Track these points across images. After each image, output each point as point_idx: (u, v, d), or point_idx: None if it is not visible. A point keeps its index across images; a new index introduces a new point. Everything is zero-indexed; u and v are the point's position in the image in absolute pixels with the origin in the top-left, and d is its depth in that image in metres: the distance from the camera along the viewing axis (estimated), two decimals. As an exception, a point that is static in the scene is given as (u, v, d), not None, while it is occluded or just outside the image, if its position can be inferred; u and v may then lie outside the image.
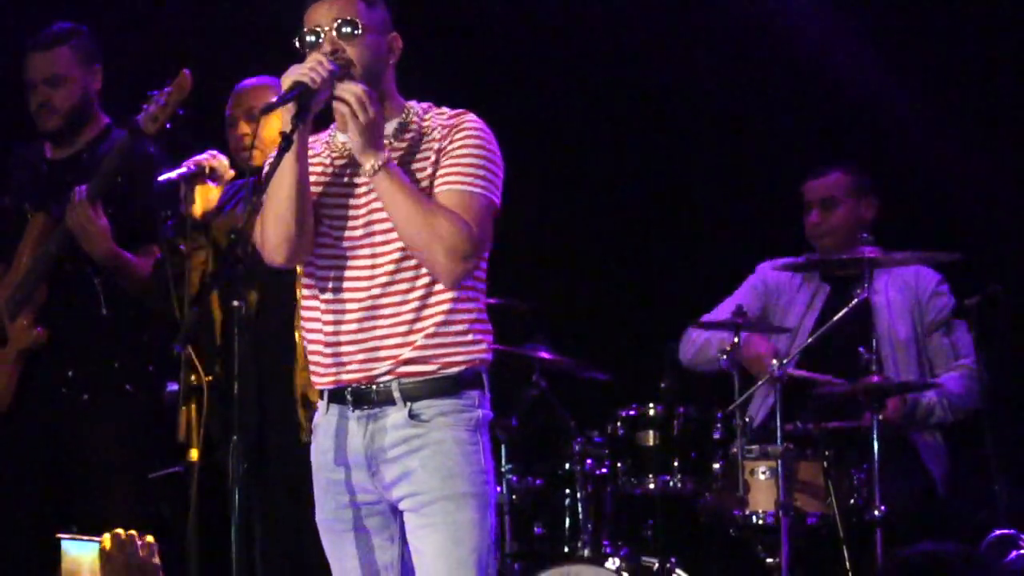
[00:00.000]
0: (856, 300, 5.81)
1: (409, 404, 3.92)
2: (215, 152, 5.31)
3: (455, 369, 3.93)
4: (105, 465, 5.57)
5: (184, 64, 5.41)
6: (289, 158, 3.86)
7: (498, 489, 6.37)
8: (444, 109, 4.04)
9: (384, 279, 3.93)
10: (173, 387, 5.65)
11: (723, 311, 6.30)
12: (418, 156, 3.97)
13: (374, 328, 3.92)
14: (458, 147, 3.94)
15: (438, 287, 3.92)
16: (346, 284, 3.96)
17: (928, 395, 6.07)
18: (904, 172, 7.03)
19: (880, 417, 5.75)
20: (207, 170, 5.24)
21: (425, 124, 4.00)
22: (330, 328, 3.97)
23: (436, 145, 3.95)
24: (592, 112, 7.48)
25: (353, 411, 3.96)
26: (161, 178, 5.43)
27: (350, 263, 3.96)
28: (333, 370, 3.98)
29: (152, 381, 5.71)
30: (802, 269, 6.29)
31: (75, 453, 5.58)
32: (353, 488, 3.97)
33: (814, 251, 6.38)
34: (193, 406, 5.19)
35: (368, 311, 3.93)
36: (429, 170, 3.95)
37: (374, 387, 3.93)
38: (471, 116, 4.00)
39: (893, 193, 6.69)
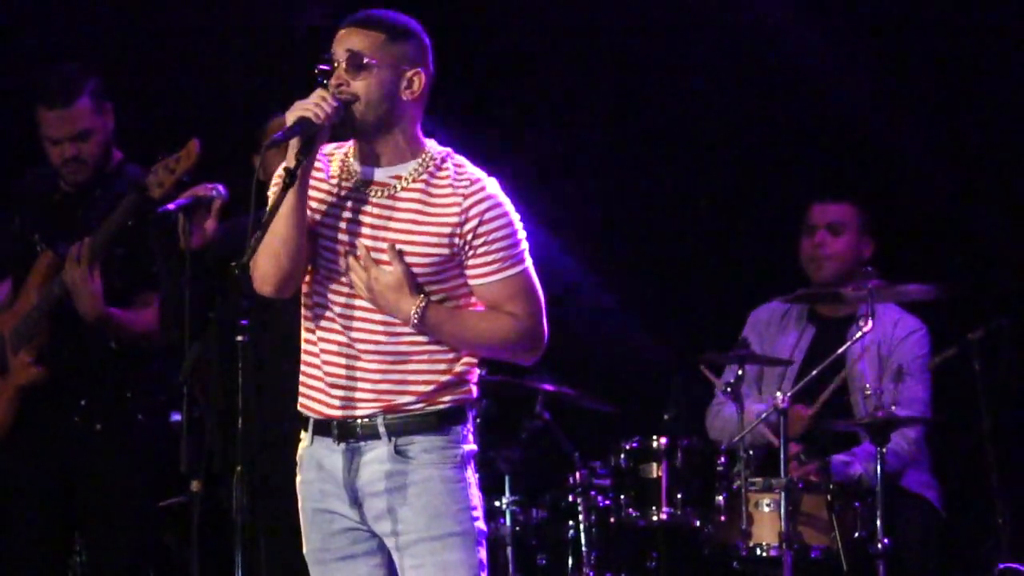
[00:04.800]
0: (861, 333, 5.79)
1: (394, 439, 3.90)
2: (215, 185, 5.29)
3: (440, 406, 3.92)
4: (116, 494, 5.58)
5: (192, 132, 5.38)
6: (291, 195, 3.85)
7: (501, 520, 6.36)
8: (461, 163, 3.97)
9: (365, 314, 3.90)
10: (176, 417, 5.65)
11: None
12: (416, 208, 3.91)
13: (359, 363, 3.91)
14: (491, 231, 3.90)
15: None
16: (334, 317, 3.94)
17: (854, 466, 5.98)
18: (908, 206, 7.03)
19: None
20: (205, 202, 5.23)
21: (438, 177, 3.93)
22: (319, 360, 3.96)
23: (450, 219, 3.88)
24: (599, 141, 7.48)
25: (338, 444, 3.95)
26: (159, 210, 5.44)
27: (338, 297, 3.93)
28: (321, 402, 3.96)
29: (162, 410, 5.73)
30: (797, 301, 6.25)
31: (86, 482, 5.58)
32: (339, 517, 3.96)
33: (807, 285, 6.33)
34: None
35: (353, 346, 3.91)
36: (429, 229, 3.88)
37: (359, 421, 3.92)
38: (488, 189, 3.93)
39: (897, 226, 6.69)
